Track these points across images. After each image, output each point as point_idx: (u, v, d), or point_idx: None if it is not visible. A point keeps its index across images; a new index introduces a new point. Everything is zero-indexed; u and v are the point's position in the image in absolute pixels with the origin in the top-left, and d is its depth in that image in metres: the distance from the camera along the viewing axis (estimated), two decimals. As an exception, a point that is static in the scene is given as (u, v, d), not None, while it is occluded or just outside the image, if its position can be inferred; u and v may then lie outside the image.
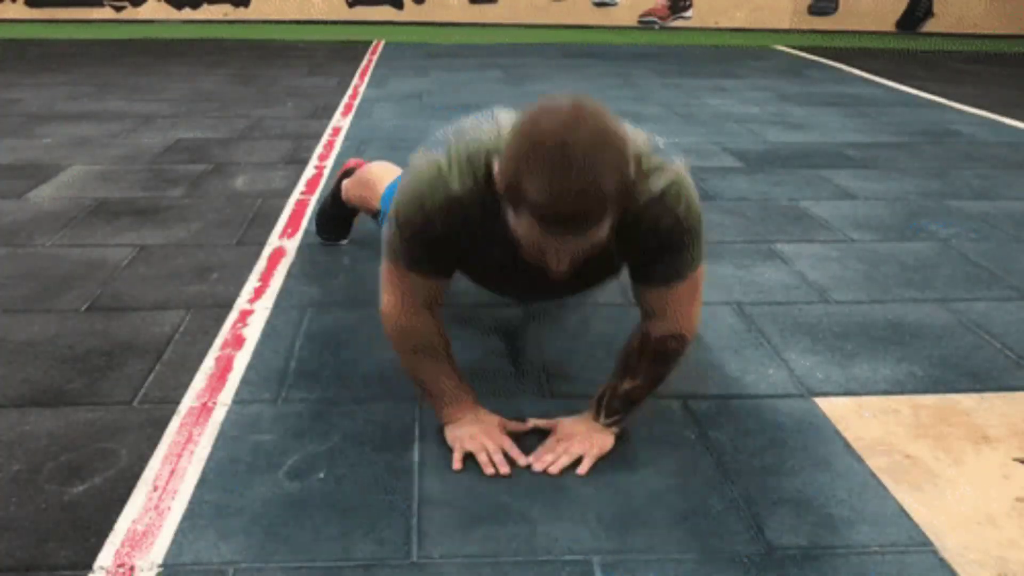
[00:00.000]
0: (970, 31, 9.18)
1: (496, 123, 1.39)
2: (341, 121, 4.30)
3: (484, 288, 1.74)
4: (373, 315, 2.07)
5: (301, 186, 3.15)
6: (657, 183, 1.34)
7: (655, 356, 1.51)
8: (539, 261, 1.28)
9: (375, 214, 2.21)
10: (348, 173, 2.42)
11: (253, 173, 3.31)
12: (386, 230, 1.47)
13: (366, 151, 3.64)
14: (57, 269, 2.32)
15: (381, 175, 2.21)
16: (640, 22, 9.20)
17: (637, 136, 1.36)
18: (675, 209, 1.36)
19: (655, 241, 1.39)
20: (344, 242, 2.56)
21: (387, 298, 1.51)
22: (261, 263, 2.40)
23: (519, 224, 1.21)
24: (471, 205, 1.35)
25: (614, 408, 1.54)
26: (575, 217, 1.15)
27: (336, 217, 2.50)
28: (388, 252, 1.47)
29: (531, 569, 1.26)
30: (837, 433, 1.63)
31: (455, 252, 1.45)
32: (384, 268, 1.50)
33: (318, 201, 2.90)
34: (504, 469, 1.48)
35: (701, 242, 1.43)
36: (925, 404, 1.74)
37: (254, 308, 2.12)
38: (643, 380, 1.53)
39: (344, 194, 2.39)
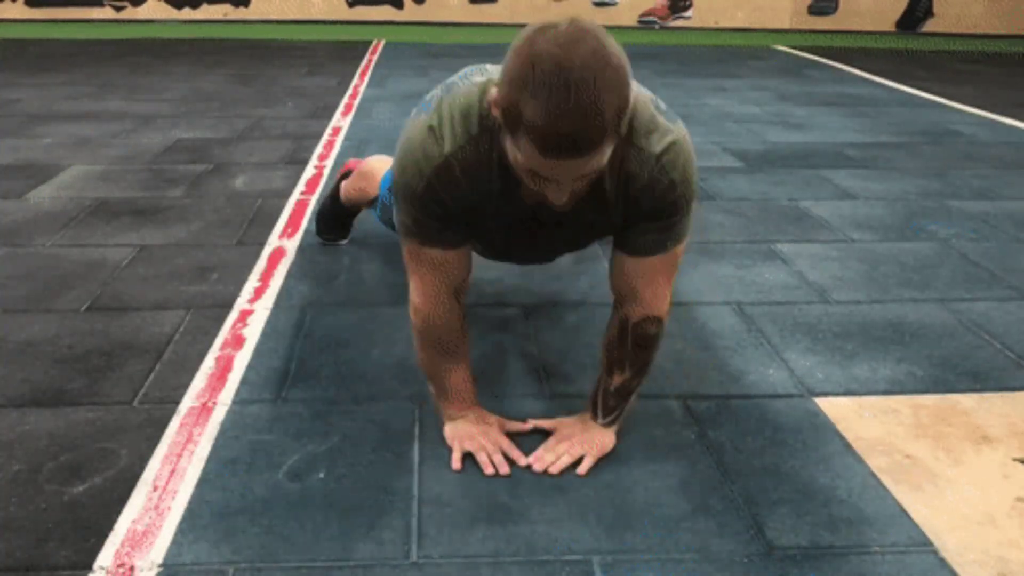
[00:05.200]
0: (970, 31, 9.18)
1: (487, 74, 1.37)
2: (341, 121, 4.30)
3: (488, 254, 1.69)
4: (373, 315, 2.09)
5: (301, 186, 3.15)
6: (657, 144, 1.32)
7: (636, 343, 1.49)
8: (539, 196, 1.26)
9: (372, 201, 2.20)
10: (348, 175, 2.43)
11: (253, 173, 3.31)
12: (394, 214, 1.45)
13: (366, 151, 3.64)
14: (57, 269, 2.32)
15: (379, 165, 2.22)
16: (640, 22, 9.20)
17: (642, 94, 1.34)
18: (671, 173, 1.33)
19: (649, 203, 1.36)
20: (344, 242, 2.56)
21: (414, 288, 1.49)
22: (261, 263, 2.40)
23: (518, 150, 1.17)
24: (468, 163, 1.32)
25: (609, 405, 1.54)
26: (574, 137, 1.11)
27: (336, 217, 2.50)
28: (403, 232, 1.43)
29: (531, 569, 1.26)
30: (837, 433, 1.63)
31: (461, 212, 1.40)
32: (405, 253, 1.47)
33: (318, 201, 2.90)
34: (503, 469, 1.48)
35: (690, 216, 1.41)
36: (925, 404, 1.74)
37: (254, 308, 2.12)
38: (630, 371, 1.52)
39: (343, 194, 2.39)
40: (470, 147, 1.31)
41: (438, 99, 1.36)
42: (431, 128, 1.33)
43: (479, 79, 1.36)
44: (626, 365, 1.51)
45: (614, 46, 1.14)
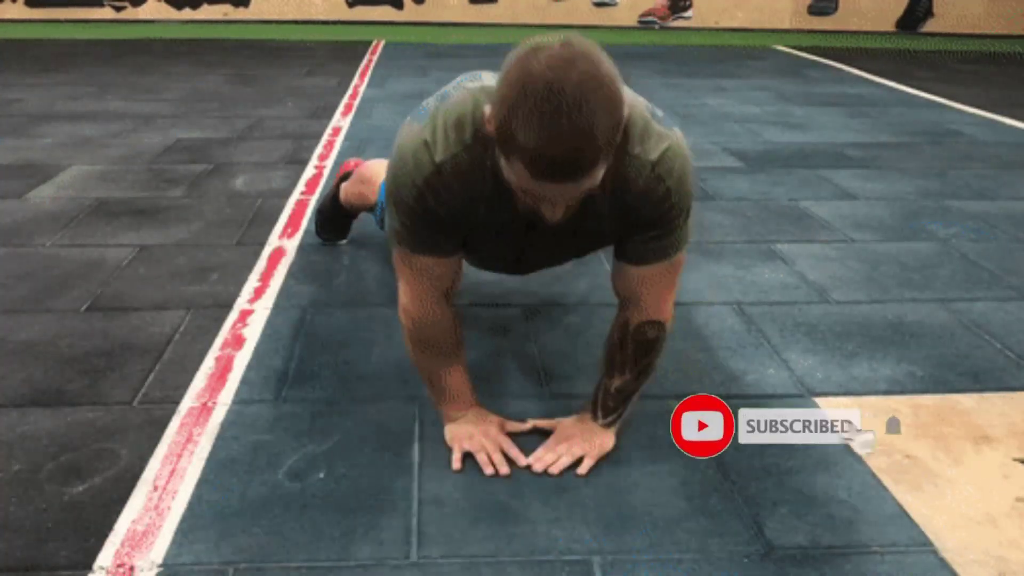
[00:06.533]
0: (970, 31, 9.17)
1: (481, 82, 1.35)
2: (341, 121, 4.30)
3: (483, 264, 1.70)
4: (373, 315, 2.09)
5: (301, 186, 3.15)
6: (653, 151, 1.30)
7: (636, 346, 1.49)
8: (534, 211, 1.25)
9: (372, 207, 2.20)
10: (347, 176, 2.42)
11: (253, 173, 3.31)
12: (386, 218, 1.45)
13: (366, 151, 3.64)
14: (57, 269, 2.32)
15: (378, 169, 2.20)
16: (640, 22, 9.20)
17: (636, 101, 1.33)
18: (667, 180, 1.32)
19: (646, 211, 1.35)
20: (344, 242, 2.56)
21: (404, 290, 1.49)
22: (261, 263, 2.40)
23: (511, 171, 1.17)
24: (461, 171, 1.31)
25: (609, 406, 1.54)
26: (567, 163, 1.11)
27: (335, 218, 2.50)
28: (394, 239, 1.43)
29: (531, 569, 1.26)
30: (837, 433, 1.63)
31: (454, 222, 1.39)
32: (395, 258, 1.47)
33: (318, 201, 2.90)
34: (503, 469, 1.48)
35: (689, 223, 1.40)
36: (925, 404, 1.74)
37: (254, 308, 2.12)
38: (631, 373, 1.52)
39: (343, 196, 2.38)
40: (464, 154, 1.30)
41: (432, 107, 1.36)
42: (423, 137, 1.32)
43: (473, 86, 1.35)
44: (626, 368, 1.52)
45: (607, 67, 1.13)
